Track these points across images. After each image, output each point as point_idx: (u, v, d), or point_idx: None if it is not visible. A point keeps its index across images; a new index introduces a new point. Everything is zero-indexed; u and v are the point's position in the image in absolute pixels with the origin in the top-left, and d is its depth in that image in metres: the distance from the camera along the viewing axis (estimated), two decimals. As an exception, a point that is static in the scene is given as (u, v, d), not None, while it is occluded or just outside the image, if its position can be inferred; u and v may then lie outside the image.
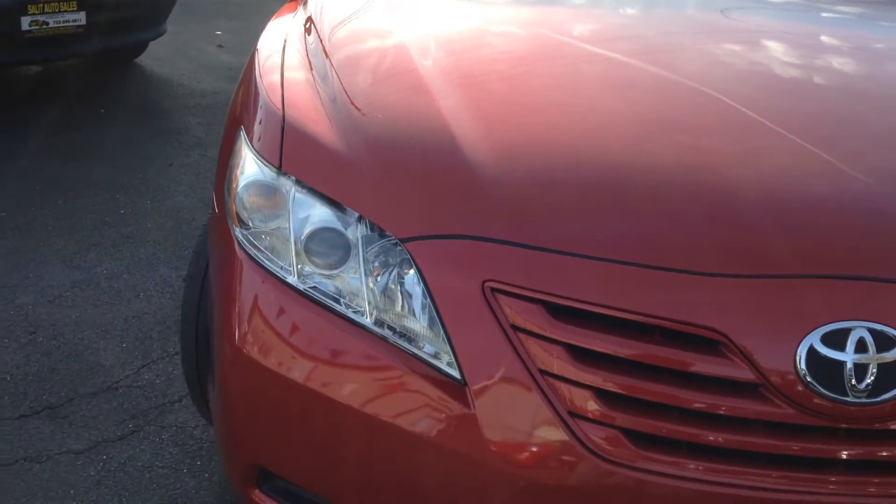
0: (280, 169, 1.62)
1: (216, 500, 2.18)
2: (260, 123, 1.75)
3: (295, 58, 1.97)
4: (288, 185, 1.59)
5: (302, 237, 1.54)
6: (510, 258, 1.40)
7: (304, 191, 1.58)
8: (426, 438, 1.40)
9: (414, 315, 1.44)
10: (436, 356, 1.41)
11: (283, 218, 1.59)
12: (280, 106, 1.74)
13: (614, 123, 1.67)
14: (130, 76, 5.61)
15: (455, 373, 1.39)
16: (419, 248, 1.45)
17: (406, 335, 1.44)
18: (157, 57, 5.90)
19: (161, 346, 2.77)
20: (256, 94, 1.86)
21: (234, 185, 1.69)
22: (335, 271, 1.53)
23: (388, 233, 1.48)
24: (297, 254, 1.54)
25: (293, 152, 1.64)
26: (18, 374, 2.60)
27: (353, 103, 1.73)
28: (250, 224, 1.62)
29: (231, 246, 1.63)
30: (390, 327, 1.46)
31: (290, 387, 1.50)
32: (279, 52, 2.02)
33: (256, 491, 1.60)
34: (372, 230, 1.51)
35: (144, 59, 5.85)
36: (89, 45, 4.72)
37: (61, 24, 4.49)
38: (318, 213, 1.56)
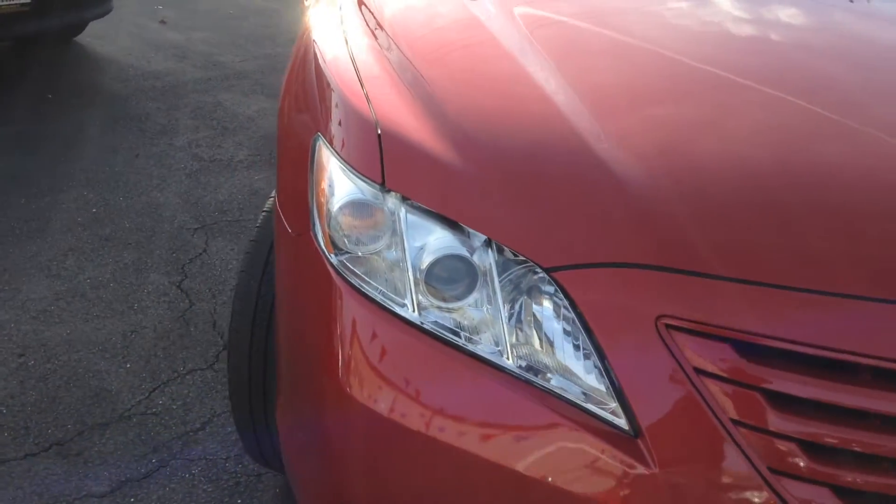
0: (383, 185, 1.40)
1: (267, 543, 1.97)
2: (344, 129, 1.52)
3: (365, 47, 1.74)
4: (395, 205, 1.38)
5: (422, 266, 1.33)
6: (687, 289, 1.21)
7: (415, 211, 1.37)
8: (591, 499, 1.21)
9: (564, 356, 1.25)
10: (597, 403, 1.23)
11: (384, 240, 1.38)
12: (367, 108, 1.51)
13: (759, 131, 1.49)
14: (73, 57, 5.20)
15: (622, 423, 1.21)
16: (572, 279, 1.25)
17: (552, 378, 1.25)
18: (98, 35, 5.50)
19: (169, 365, 2.51)
20: (329, 91, 1.62)
21: (322, 204, 1.46)
22: (457, 304, 1.33)
23: (527, 260, 1.29)
24: (415, 284, 1.33)
25: (397, 165, 1.41)
26: (15, 405, 2.32)
27: (452, 106, 1.51)
28: (346, 248, 1.41)
29: (324, 273, 1.41)
30: (533, 369, 1.27)
31: (409, 436, 1.30)
32: (341, 40, 1.78)
33: None
34: (500, 253, 1.31)
35: (84, 38, 5.44)
36: (34, 25, 4.33)
37: (4, 4, 4.09)
38: (439, 238, 1.35)
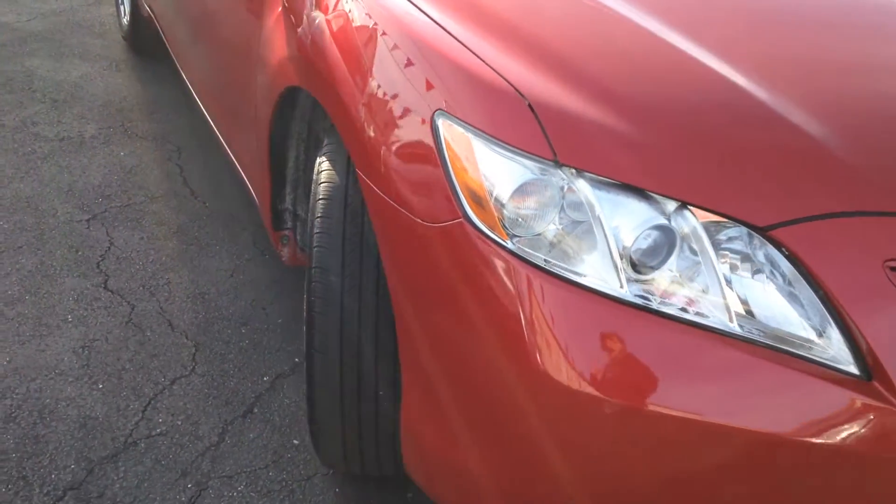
0: (556, 160, 1.34)
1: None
2: (482, 104, 1.41)
3: (449, 17, 1.61)
4: (571, 179, 1.33)
5: (624, 241, 1.30)
6: None
7: (596, 183, 1.32)
8: (851, 450, 1.26)
9: (790, 312, 1.28)
10: (828, 353, 1.27)
11: (564, 217, 1.33)
12: (499, 79, 1.42)
13: None
14: None
15: (855, 369, 1.27)
16: (790, 235, 1.28)
17: (779, 336, 1.28)
18: None
19: (146, 377, 2.27)
20: (443, 63, 1.49)
21: (478, 187, 1.37)
22: (653, 273, 1.31)
23: (731, 220, 1.29)
24: (621, 258, 1.30)
25: (563, 137, 1.35)
26: (-6, 454, 2.00)
27: (594, 70, 1.46)
28: (516, 231, 1.34)
29: (499, 260, 1.34)
30: (760, 330, 1.29)
31: (653, 419, 1.28)
32: (412, 9, 1.64)
33: None
34: (696, 217, 1.31)
35: None
36: None
37: None
38: (632, 209, 1.31)
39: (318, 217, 1.72)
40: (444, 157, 1.43)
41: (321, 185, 1.76)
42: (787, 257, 1.27)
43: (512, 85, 1.41)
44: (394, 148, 1.52)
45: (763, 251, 1.28)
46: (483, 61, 1.47)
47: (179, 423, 2.14)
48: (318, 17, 1.80)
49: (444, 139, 1.43)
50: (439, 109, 1.45)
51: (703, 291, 1.29)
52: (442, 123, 1.44)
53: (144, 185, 3.22)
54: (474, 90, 1.44)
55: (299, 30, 1.87)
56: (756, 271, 1.29)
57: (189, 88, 3.20)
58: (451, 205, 1.41)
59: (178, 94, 4.00)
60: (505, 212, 1.35)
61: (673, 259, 1.31)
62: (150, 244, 2.85)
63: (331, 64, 1.69)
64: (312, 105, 2.06)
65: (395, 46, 1.58)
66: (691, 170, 1.33)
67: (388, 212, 1.52)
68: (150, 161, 3.40)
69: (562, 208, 1.34)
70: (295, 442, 2.11)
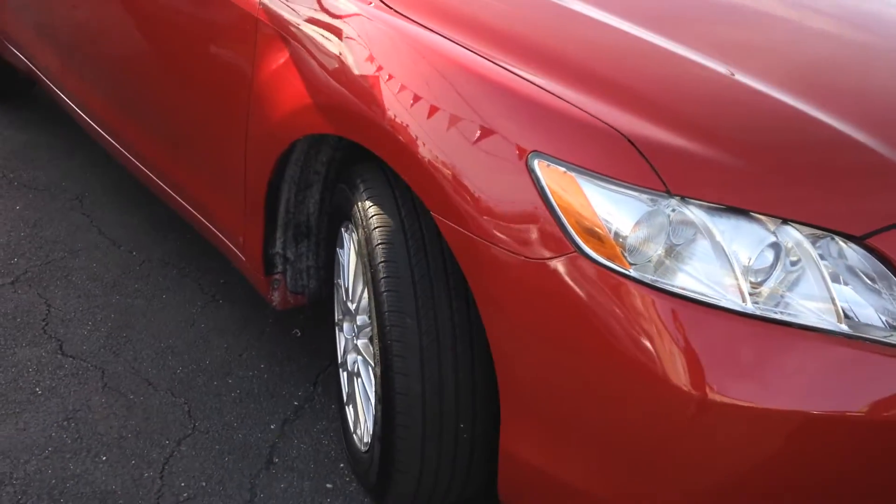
0: (668, 191, 1.45)
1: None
2: (578, 141, 1.51)
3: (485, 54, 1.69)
4: (681, 207, 1.45)
5: (741, 258, 1.44)
6: None
7: (705, 208, 1.46)
8: None
9: (884, 310, 1.46)
10: None
11: (662, 241, 1.45)
12: (584, 115, 1.53)
13: None
14: None
15: None
16: (882, 241, 1.46)
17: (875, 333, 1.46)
18: None
19: (149, 441, 2.17)
20: (526, 105, 1.57)
21: (585, 221, 1.47)
22: (764, 286, 1.46)
23: (830, 231, 1.46)
24: (742, 276, 1.43)
25: (670, 169, 1.47)
26: (19, 547, 1.86)
27: (665, 98, 1.61)
28: (635, 260, 1.45)
29: (622, 289, 1.44)
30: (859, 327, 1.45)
31: (813, 423, 1.42)
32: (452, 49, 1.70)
33: None
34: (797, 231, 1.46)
35: None
36: None
37: None
38: (745, 230, 1.46)
39: (381, 262, 1.74)
40: (547, 196, 1.50)
41: (375, 230, 1.78)
42: (881, 261, 1.45)
43: (606, 123, 1.51)
44: (484, 189, 1.58)
45: (856, 257, 1.46)
46: (568, 102, 1.56)
47: (204, 484, 2.07)
48: (365, 64, 1.80)
49: (543, 179, 1.51)
50: (535, 151, 1.52)
51: (810, 298, 1.45)
52: (538, 164, 1.52)
53: (57, 239, 3.03)
54: (570, 130, 1.53)
55: (328, 77, 1.87)
56: (852, 275, 1.46)
57: (94, 128, 3.02)
58: (558, 239, 1.49)
59: (51, 138, 3.76)
60: (624, 242, 1.45)
61: (779, 271, 1.46)
62: (90, 302, 2.70)
63: (385, 109, 1.72)
64: (327, 151, 2.09)
65: (469, 90, 1.64)
66: (788, 189, 1.49)
67: (479, 249, 1.58)
68: (52, 213, 3.20)
69: (670, 233, 1.45)
70: (328, 486, 2.10)
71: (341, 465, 2.15)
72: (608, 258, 1.46)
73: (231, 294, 2.79)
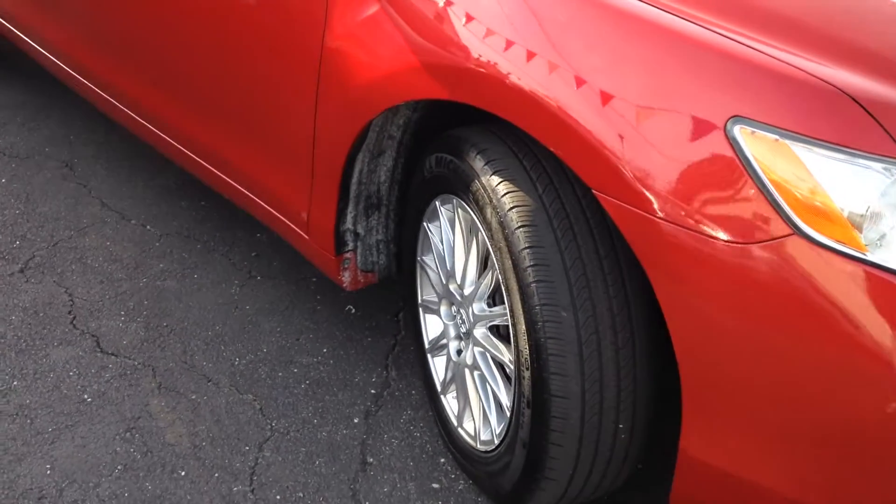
0: None
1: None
2: (795, 102, 1.31)
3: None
4: None
5: None
6: None
7: None
8: None
9: None
10: None
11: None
12: (804, 75, 1.32)
13: None
14: None
15: None
16: None
17: None
18: None
19: (227, 449, 1.95)
20: (714, 55, 1.37)
21: (821, 200, 1.29)
22: None
23: None
24: None
25: None
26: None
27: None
28: (870, 240, 1.28)
29: (854, 276, 1.27)
30: None
31: None
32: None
33: None
34: None
35: None
36: None
37: None
38: None
39: (526, 248, 1.54)
40: (754, 169, 1.31)
41: (511, 210, 1.57)
42: None
43: (823, 80, 1.31)
44: (667, 164, 1.37)
45: None
46: (771, 56, 1.35)
47: (301, 495, 1.86)
48: (507, 19, 1.55)
49: (747, 149, 1.31)
50: (735, 116, 1.32)
51: None
52: (740, 131, 1.32)
53: (58, 215, 2.72)
54: (778, 90, 1.32)
55: (451, 31, 1.61)
56: None
57: (97, 94, 2.69)
58: (770, 219, 1.31)
59: (19, 96, 3.39)
60: (861, 222, 1.27)
61: None
62: (115, 288, 2.42)
63: (536, 74, 1.48)
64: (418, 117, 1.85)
65: (649, 48, 1.42)
66: None
67: (664, 234, 1.38)
68: (44, 184, 2.87)
69: None
70: (435, 486, 1.92)
71: (441, 460, 1.97)
72: (838, 240, 1.28)
73: (267, 269, 2.55)
